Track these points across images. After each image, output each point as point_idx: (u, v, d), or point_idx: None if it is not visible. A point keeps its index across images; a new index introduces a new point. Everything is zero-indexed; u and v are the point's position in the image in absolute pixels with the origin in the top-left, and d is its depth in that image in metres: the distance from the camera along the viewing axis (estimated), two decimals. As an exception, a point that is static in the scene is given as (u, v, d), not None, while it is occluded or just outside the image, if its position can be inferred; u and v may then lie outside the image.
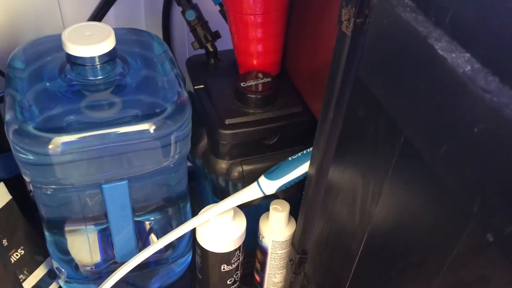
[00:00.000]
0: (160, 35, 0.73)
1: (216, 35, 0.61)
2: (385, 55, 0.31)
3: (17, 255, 0.59)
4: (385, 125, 0.33)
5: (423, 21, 0.28)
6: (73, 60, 0.48)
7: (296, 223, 0.56)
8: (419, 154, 0.29)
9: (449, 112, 0.25)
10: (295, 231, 0.57)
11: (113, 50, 0.48)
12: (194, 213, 0.56)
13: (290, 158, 0.52)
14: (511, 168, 0.22)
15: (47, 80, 0.50)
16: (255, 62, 0.58)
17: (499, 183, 0.23)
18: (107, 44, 0.47)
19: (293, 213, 0.57)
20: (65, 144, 0.45)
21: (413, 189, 0.32)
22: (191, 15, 0.59)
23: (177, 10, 0.69)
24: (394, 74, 0.30)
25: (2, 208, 0.58)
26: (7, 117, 0.46)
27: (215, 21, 0.61)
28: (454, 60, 0.25)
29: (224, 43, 0.62)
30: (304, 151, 0.51)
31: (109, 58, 0.48)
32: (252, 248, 0.61)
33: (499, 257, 0.24)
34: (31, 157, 0.46)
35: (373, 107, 0.34)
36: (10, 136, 0.45)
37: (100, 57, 0.47)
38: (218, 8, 0.60)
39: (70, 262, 0.58)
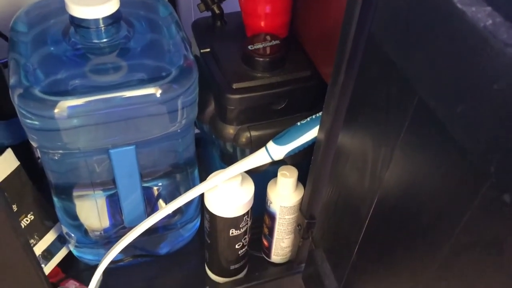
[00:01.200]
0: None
1: (223, -3, 0.60)
2: (400, 12, 0.30)
3: (27, 220, 0.59)
4: (399, 86, 0.32)
5: (441, -26, 0.27)
6: (76, 23, 0.47)
7: (304, 188, 0.56)
8: (433, 114, 0.28)
9: (467, 69, 0.24)
10: (303, 197, 0.57)
11: (118, 12, 0.47)
12: (202, 179, 0.56)
13: (298, 123, 0.51)
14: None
15: (51, 44, 0.49)
16: (262, 24, 0.56)
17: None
18: (111, 5, 0.46)
19: (301, 179, 0.57)
20: (70, 108, 0.44)
21: (426, 151, 0.31)
22: (196, -24, 0.57)
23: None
24: (410, 31, 0.29)
25: (10, 174, 0.58)
26: (12, 81, 0.45)
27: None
28: (474, 14, 0.24)
29: (231, 5, 0.60)
30: (313, 116, 0.51)
31: (113, 20, 0.47)
32: (260, 214, 0.61)
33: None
34: (37, 121, 0.45)
35: (386, 67, 0.33)
36: (15, 101, 0.45)
37: (104, 19, 0.46)
38: (224, -32, 0.58)
39: (79, 227, 0.58)
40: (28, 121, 0.45)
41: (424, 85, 0.29)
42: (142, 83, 0.46)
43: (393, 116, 0.34)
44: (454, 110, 0.26)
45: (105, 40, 0.48)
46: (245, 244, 0.59)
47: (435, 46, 0.27)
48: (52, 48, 0.49)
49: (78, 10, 0.45)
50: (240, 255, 0.60)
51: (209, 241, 0.59)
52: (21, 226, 0.58)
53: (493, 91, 0.23)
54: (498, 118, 0.23)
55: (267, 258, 0.66)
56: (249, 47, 0.54)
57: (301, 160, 0.56)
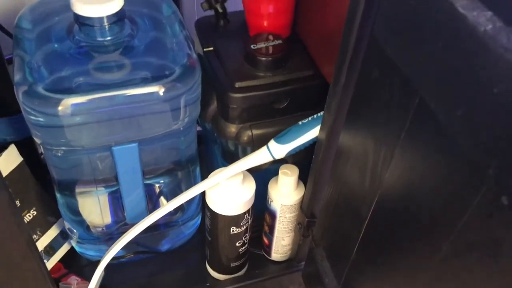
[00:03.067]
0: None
1: (226, -4, 0.60)
2: (402, 13, 0.30)
3: (29, 215, 0.60)
4: (400, 87, 0.33)
5: (443, -23, 0.27)
6: (81, 21, 0.47)
7: (305, 187, 0.56)
8: (434, 116, 0.29)
9: (468, 72, 0.25)
10: (304, 195, 0.57)
11: (122, 11, 0.47)
12: (204, 177, 0.56)
13: (300, 123, 0.51)
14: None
15: (55, 41, 0.49)
16: (265, 23, 0.56)
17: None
18: (116, 4, 0.46)
19: (302, 177, 0.57)
20: (74, 105, 0.45)
21: (427, 152, 0.31)
22: (200, -26, 0.57)
23: (185, -31, 0.67)
24: (412, 33, 0.30)
25: (13, 169, 0.58)
26: (16, 78, 0.46)
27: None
28: (475, 19, 0.24)
29: (234, 4, 0.60)
30: (315, 115, 0.51)
31: (117, 18, 0.47)
32: (260, 212, 0.61)
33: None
34: (41, 118, 0.45)
35: (388, 68, 0.33)
36: (20, 97, 0.45)
37: (109, 17, 0.46)
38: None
39: (81, 223, 0.59)
40: (32, 117, 0.46)
41: (425, 87, 0.29)
42: (145, 81, 0.47)
43: (394, 117, 0.34)
44: (454, 112, 0.26)
45: (109, 38, 0.48)
46: (245, 242, 0.59)
47: (436, 48, 0.27)
48: (56, 46, 0.49)
49: (82, 8, 0.46)
50: (241, 252, 0.60)
51: (210, 239, 0.59)
52: (25, 222, 0.58)
53: (493, 95, 0.23)
54: (497, 121, 0.23)
55: (267, 256, 0.66)
56: (252, 46, 0.54)
57: (302, 159, 0.56)
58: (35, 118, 0.46)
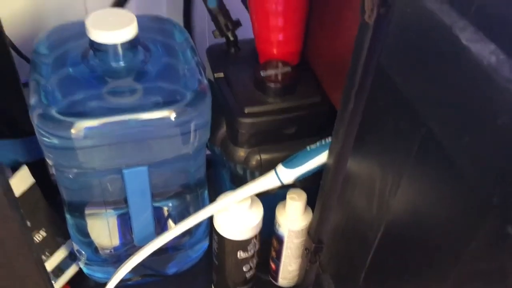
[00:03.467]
0: (181, 23, 0.74)
1: (237, 24, 0.61)
2: (408, 44, 0.31)
3: (39, 236, 0.60)
4: (407, 116, 0.33)
5: (448, 10, 0.28)
6: (95, 47, 0.48)
7: (313, 212, 0.56)
8: (440, 145, 0.29)
9: (472, 103, 0.25)
10: (311, 221, 0.57)
11: (136, 38, 0.49)
12: (211, 200, 0.57)
13: (308, 148, 0.52)
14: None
15: (70, 66, 0.51)
16: (275, 51, 0.58)
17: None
18: (130, 31, 0.48)
19: (310, 203, 0.57)
20: (87, 128, 0.46)
21: (433, 180, 0.32)
22: (212, 2, 0.59)
23: (198, -2, 0.69)
24: (418, 64, 0.30)
25: (25, 191, 0.59)
26: (32, 101, 0.47)
27: (236, 8, 0.62)
28: (479, 51, 0.25)
29: (245, 32, 0.62)
30: (323, 141, 0.52)
31: (131, 45, 0.49)
32: (268, 236, 0.62)
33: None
34: (54, 141, 0.47)
35: (395, 97, 0.34)
36: (34, 120, 0.46)
37: (123, 44, 0.48)
38: (239, -4, 0.60)
39: (90, 244, 0.59)
40: (46, 139, 0.47)
41: (431, 117, 0.30)
42: (157, 106, 0.48)
43: (401, 144, 0.35)
44: (460, 141, 0.27)
45: (122, 64, 0.49)
46: (252, 267, 0.59)
47: (441, 80, 0.28)
48: (71, 70, 0.50)
49: (98, 35, 0.47)
50: (248, 277, 0.60)
51: (217, 263, 0.59)
52: (35, 242, 0.59)
53: (497, 126, 0.23)
54: (501, 151, 0.24)
55: (274, 282, 0.66)
56: (262, 73, 0.55)
57: (310, 184, 0.56)
58: (48, 140, 0.47)
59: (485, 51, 0.25)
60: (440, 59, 0.28)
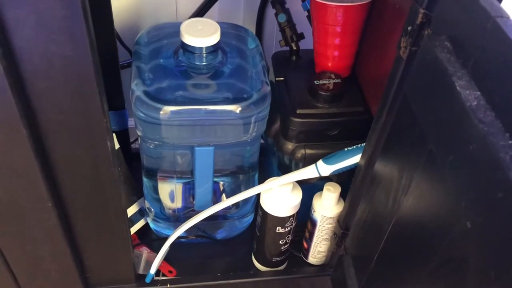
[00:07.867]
0: (254, 30, 0.85)
1: (301, 36, 0.72)
2: (422, 81, 0.41)
3: (119, 192, 0.74)
4: (419, 134, 0.43)
5: (453, 61, 0.37)
6: (186, 47, 0.60)
7: (344, 203, 0.66)
8: (435, 159, 0.39)
9: (456, 131, 0.35)
10: (342, 210, 0.67)
11: (217, 43, 0.60)
12: (260, 182, 0.68)
13: (346, 149, 0.62)
14: (487, 180, 0.31)
15: (162, 58, 0.63)
16: (330, 64, 0.68)
17: (479, 187, 0.32)
18: (214, 38, 0.59)
19: (342, 195, 0.67)
20: (172, 112, 0.58)
21: (430, 184, 0.41)
22: (282, 17, 0.69)
23: (271, 10, 0.80)
24: (426, 97, 0.40)
25: (112, 153, 0.72)
26: (133, 84, 0.60)
27: (301, 22, 0.72)
28: (466, 96, 0.34)
29: (306, 43, 0.72)
30: (359, 145, 0.61)
31: (214, 49, 0.61)
32: (304, 221, 0.72)
33: (477, 240, 0.33)
34: (146, 117, 0.59)
35: (412, 118, 0.44)
36: (133, 100, 0.59)
37: (207, 47, 0.60)
38: (306, 13, 0.70)
39: (159, 203, 0.72)
40: (141, 114, 0.59)
41: (432, 137, 0.39)
42: (227, 100, 0.59)
43: (414, 154, 0.44)
44: (447, 158, 0.36)
45: (204, 63, 0.61)
46: (287, 241, 0.70)
47: (440, 112, 0.37)
48: (162, 61, 0.63)
49: (189, 39, 0.59)
50: (282, 250, 0.71)
51: (258, 234, 0.71)
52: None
53: (469, 151, 0.33)
54: (470, 169, 0.33)
55: (304, 259, 0.77)
56: (316, 81, 0.65)
57: (344, 179, 0.66)
58: (142, 115, 0.59)
59: (471, 96, 0.34)
60: (440, 96, 0.38)
